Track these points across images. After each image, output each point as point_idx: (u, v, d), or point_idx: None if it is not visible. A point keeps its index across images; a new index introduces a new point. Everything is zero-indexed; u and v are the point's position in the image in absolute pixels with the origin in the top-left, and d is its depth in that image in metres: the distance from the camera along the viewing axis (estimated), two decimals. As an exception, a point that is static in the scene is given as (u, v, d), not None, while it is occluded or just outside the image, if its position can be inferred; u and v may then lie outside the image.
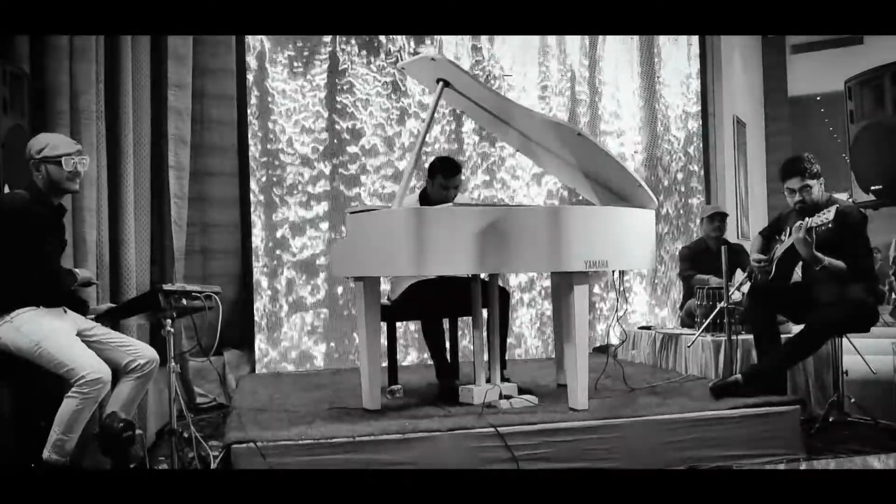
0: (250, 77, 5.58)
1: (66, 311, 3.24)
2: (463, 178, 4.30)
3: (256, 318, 5.55)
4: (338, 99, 5.80)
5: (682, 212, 6.89)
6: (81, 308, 3.36)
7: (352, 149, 5.83)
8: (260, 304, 5.58)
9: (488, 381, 3.90)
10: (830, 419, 3.97)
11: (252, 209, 5.58)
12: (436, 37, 5.98)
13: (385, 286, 4.44)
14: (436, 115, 4.20)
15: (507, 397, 3.80)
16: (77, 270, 3.34)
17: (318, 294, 5.71)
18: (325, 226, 5.73)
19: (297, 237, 5.68)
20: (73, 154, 3.18)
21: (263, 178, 5.61)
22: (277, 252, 5.63)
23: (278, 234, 5.64)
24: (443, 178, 4.16)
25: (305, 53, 5.72)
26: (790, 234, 3.88)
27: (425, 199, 4.21)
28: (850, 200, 4.45)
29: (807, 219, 3.76)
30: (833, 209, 3.63)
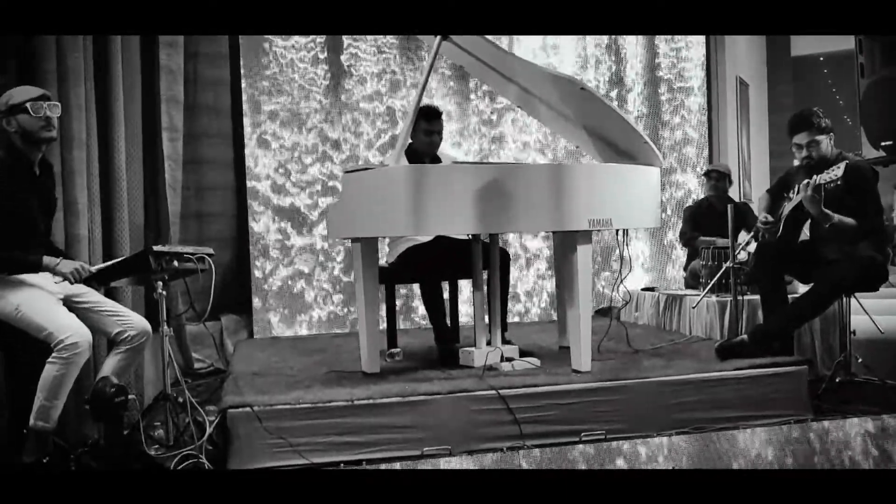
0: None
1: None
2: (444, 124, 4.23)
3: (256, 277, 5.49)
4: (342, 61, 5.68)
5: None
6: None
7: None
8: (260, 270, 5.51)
9: (489, 343, 3.84)
10: (837, 379, 3.91)
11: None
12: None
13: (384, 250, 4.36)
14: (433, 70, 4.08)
15: (509, 360, 3.74)
16: (50, 260, 3.04)
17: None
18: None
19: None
20: (39, 98, 3.05)
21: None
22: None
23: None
24: (425, 122, 4.06)
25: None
26: (798, 192, 3.79)
27: (412, 153, 4.11)
28: (859, 156, 4.35)
29: (815, 176, 3.66)
30: (843, 165, 3.54)
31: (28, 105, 3.02)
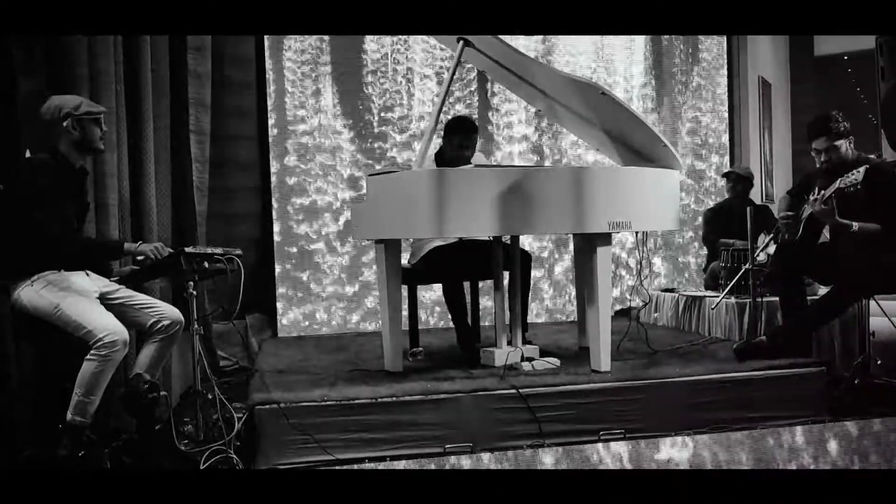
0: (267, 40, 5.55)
1: (88, 274, 3.26)
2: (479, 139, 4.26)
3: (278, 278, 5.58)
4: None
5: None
6: (105, 270, 3.37)
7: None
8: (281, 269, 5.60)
9: (510, 343, 3.89)
10: (856, 381, 3.92)
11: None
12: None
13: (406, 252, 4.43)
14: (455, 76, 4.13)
15: (529, 360, 3.79)
16: (130, 245, 3.24)
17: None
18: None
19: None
20: (106, 112, 3.27)
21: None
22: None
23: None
24: (460, 137, 4.09)
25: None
26: (818, 193, 3.80)
27: (441, 159, 4.17)
28: (880, 158, 4.35)
29: (815, 194, 3.67)
30: (863, 169, 3.55)
31: (101, 117, 3.22)
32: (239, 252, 3.33)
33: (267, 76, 5.57)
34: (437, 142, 4.25)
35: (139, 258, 3.23)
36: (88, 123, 3.19)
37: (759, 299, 4.29)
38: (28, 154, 3.29)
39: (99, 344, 2.98)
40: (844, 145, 3.81)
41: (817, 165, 3.92)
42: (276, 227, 5.62)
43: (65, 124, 3.16)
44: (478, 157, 4.40)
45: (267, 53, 5.58)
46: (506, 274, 3.97)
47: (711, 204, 6.31)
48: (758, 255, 4.34)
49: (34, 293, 3.07)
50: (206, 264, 3.20)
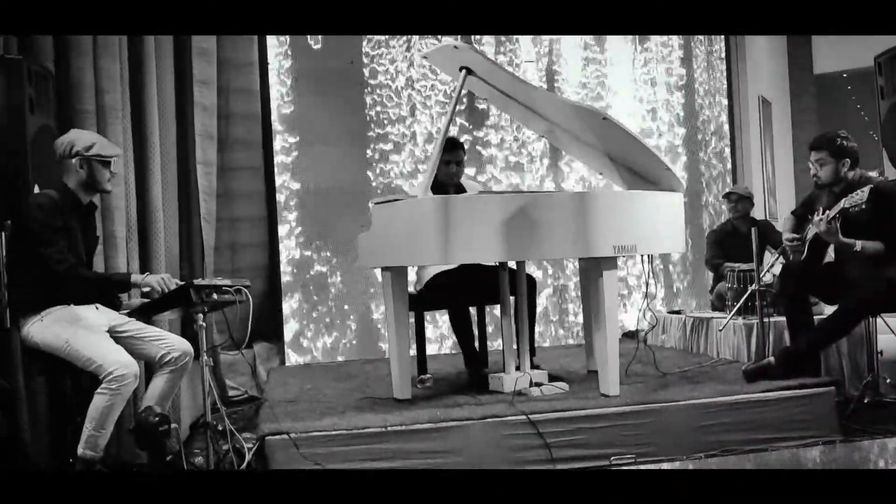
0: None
1: (97, 308, 3.28)
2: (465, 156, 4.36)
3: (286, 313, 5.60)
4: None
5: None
6: (114, 304, 3.39)
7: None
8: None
9: (518, 368, 3.90)
10: (865, 400, 3.91)
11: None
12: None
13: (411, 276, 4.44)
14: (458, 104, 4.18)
15: (538, 384, 3.79)
16: (137, 277, 3.28)
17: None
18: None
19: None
20: (119, 156, 3.30)
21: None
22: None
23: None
24: (446, 152, 4.13)
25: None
26: (822, 213, 3.80)
27: (436, 184, 4.20)
28: (883, 178, 4.36)
29: (819, 214, 3.69)
30: (867, 189, 3.57)
31: (112, 160, 3.26)
32: (247, 283, 3.35)
33: (271, 105, 5.61)
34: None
35: (145, 290, 3.25)
36: (97, 165, 3.23)
37: (766, 320, 4.29)
38: (36, 189, 3.33)
39: (109, 378, 2.99)
40: (835, 165, 3.81)
41: (812, 178, 3.94)
42: (283, 256, 5.64)
43: (73, 162, 3.20)
44: (473, 185, 4.44)
45: (272, 83, 5.63)
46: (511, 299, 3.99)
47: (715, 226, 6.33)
48: (764, 275, 4.34)
49: (44, 328, 3.10)
50: (215, 296, 3.21)
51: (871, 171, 4.19)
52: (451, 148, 4.20)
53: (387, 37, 5.82)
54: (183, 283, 3.20)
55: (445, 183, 4.21)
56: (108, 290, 3.33)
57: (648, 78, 6.58)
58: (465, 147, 4.51)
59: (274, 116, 5.62)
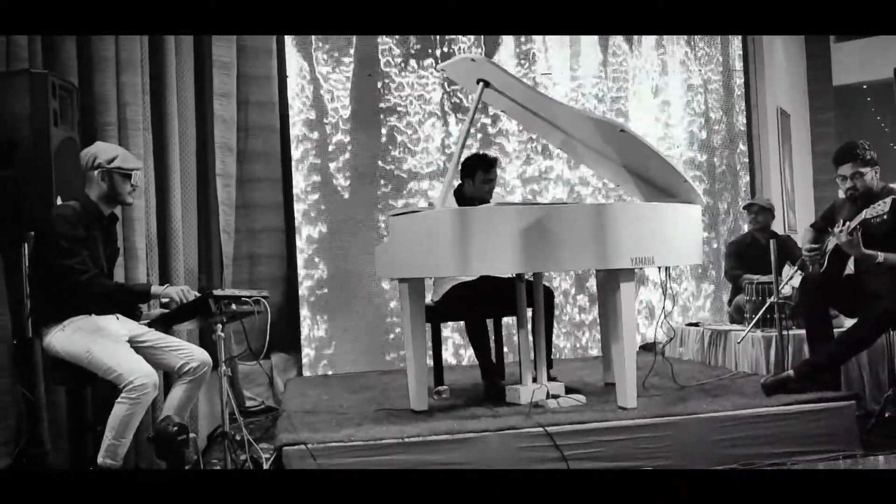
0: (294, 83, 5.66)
1: (118, 318, 3.31)
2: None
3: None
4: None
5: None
6: (134, 314, 3.43)
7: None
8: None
9: (535, 380, 3.89)
10: (887, 415, 3.87)
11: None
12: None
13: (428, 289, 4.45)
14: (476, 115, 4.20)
15: (555, 396, 3.78)
16: (157, 288, 3.32)
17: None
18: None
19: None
20: (140, 169, 3.32)
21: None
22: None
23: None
24: (483, 172, 4.20)
25: (348, 61, 5.78)
26: (843, 225, 3.78)
27: (461, 197, 4.22)
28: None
29: (840, 226, 3.67)
30: (889, 200, 3.55)
31: (133, 173, 3.29)
32: (266, 294, 3.37)
33: (290, 122, 5.66)
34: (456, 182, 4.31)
35: (164, 300, 3.29)
36: (118, 177, 3.26)
37: (785, 332, 4.26)
38: (59, 201, 3.37)
39: (129, 387, 3.02)
40: (870, 174, 3.81)
41: (842, 192, 3.91)
42: (301, 269, 5.67)
43: (96, 174, 3.25)
44: (496, 195, 4.46)
45: (290, 96, 5.68)
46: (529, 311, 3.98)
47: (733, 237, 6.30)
48: (783, 288, 4.31)
49: (65, 338, 3.13)
50: (234, 306, 3.24)
51: (892, 182, 4.16)
52: (490, 166, 4.24)
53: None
54: (202, 294, 3.23)
55: (474, 198, 4.22)
56: (128, 300, 3.35)
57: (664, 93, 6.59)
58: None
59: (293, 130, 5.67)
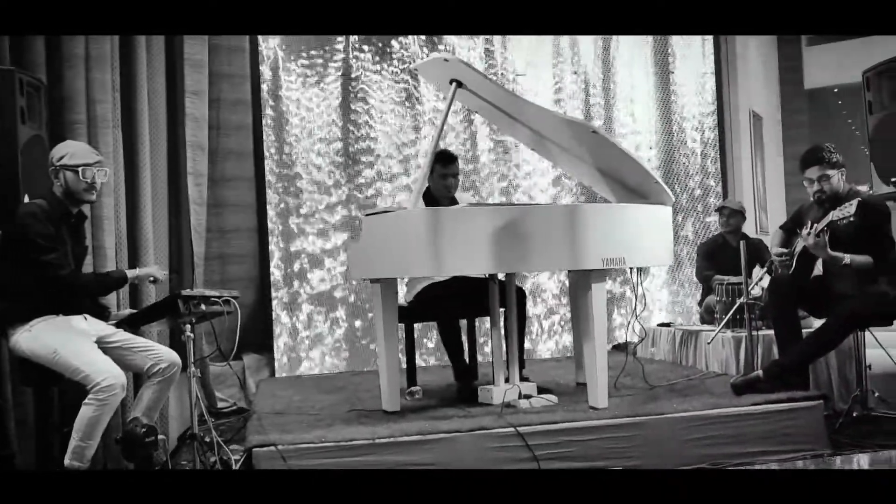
0: (265, 86, 5.63)
1: (86, 318, 3.27)
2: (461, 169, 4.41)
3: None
4: (352, 107, 5.82)
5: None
6: (102, 314, 3.39)
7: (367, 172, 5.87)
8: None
9: (507, 380, 3.90)
10: (854, 414, 3.92)
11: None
12: (445, 38, 5.98)
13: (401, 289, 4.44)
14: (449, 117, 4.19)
15: (527, 397, 3.79)
16: (131, 272, 3.44)
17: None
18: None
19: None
20: (93, 165, 3.21)
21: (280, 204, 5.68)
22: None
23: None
24: (441, 166, 4.20)
25: (319, 62, 5.75)
26: (810, 227, 3.82)
27: (428, 196, 4.22)
28: (870, 192, 4.39)
29: (808, 228, 3.71)
30: (855, 202, 3.59)
31: (80, 169, 3.18)
32: (236, 294, 3.35)
33: (264, 119, 5.62)
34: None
35: (150, 280, 3.47)
36: (69, 175, 3.19)
37: (754, 333, 4.30)
38: (26, 199, 3.33)
39: (97, 388, 2.99)
40: (837, 176, 3.85)
41: (810, 195, 3.96)
42: (274, 267, 5.63)
43: (51, 171, 3.21)
44: (464, 198, 4.46)
45: (263, 95, 5.65)
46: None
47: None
48: (752, 289, 4.35)
49: (32, 338, 3.09)
50: (204, 307, 3.21)
51: (861, 185, 4.21)
52: (447, 161, 4.25)
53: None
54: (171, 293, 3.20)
55: (440, 196, 4.23)
56: (112, 287, 3.40)
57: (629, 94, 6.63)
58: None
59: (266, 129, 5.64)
